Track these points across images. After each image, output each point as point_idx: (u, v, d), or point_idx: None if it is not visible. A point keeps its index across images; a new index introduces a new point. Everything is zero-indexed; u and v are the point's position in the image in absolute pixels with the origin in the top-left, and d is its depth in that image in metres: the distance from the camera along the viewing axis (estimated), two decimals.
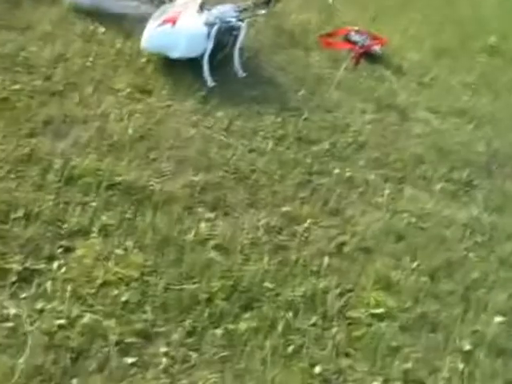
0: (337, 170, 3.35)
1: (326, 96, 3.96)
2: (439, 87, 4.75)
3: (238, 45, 3.74)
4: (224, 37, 3.65)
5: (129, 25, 3.68)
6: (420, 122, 4.17)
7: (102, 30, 3.52)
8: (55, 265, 2.14)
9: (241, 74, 3.74)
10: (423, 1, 6.37)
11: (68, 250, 2.22)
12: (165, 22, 3.40)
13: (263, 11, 3.85)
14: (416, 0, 6.28)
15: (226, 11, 3.70)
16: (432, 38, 5.56)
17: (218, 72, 3.62)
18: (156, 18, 3.46)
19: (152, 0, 3.84)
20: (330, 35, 4.67)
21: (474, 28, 6.19)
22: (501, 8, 7.08)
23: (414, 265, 2.94)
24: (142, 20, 3.65)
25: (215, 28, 3.53)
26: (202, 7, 3.67)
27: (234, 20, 3.66)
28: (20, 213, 2.25)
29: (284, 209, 2.93)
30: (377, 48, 4.72)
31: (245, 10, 3.93)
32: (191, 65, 3.51)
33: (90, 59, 3.25)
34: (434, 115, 4.30)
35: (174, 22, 3.42)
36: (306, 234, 2.87)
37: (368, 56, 4.64)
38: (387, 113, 4.11)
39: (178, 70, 3.46)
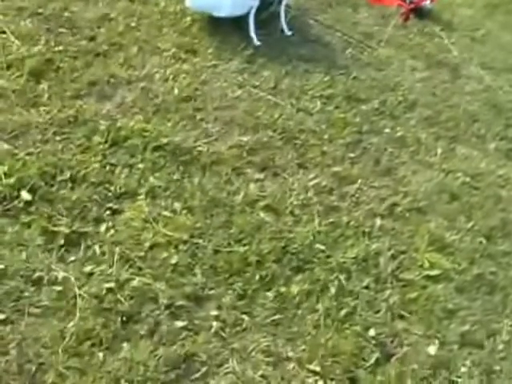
0: (387, 130, 3.17)
1: (375, 54, 3.76)
2: (492, 43, 4.49)
3: (284, 2, 3.55)
4: None
5: None
6: (472, 78, 3.94)
7: None
8: (103, 227, 2.05)
9: (287, 32, 3.57)
10: None
11: (116, 212, 2.12)
12: None
13: None
14: None
15: None
16: None
17: (263, 30, 3.45)
18: None
19: None
20: None
21: None
22: None
23: (469, 225, 2.77)
24: None
25: None
26: None
27: None
28: (66, 175, 2.15)
29: (334, 169, 2.79)
30: (427, 3, 4.47)
31: None
32: (237, 24, 3.35)
33: (135, 19, 3.12)
34: (486, 72, 4.06)
35: None
36: (357, 195, 2.72)
37: (418, 12, 4.40)
38: (438, 70, 3.89)
39: (224, 29, 3.31)
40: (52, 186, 2.12)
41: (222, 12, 3.25)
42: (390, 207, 2.73)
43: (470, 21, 4.69)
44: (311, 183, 2.66)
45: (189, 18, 3.28)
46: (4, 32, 2.75)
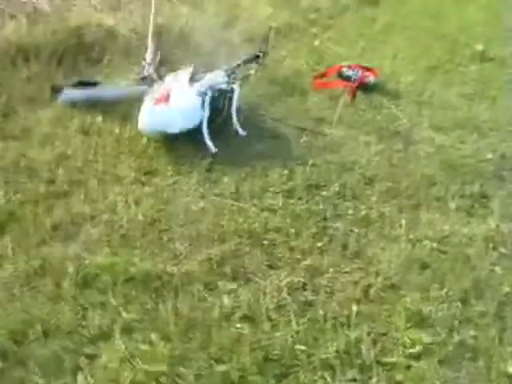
0: (351, 211, 3.15)
1: (329, 137, 3.78)
2: (437, 104, 4.54)
3: (234, 105, 3.60)
4: (219, 101, 3.52)
5: (125, 107, 3.56)
6: (425, 142, 3.95)
7: (99, 119, 3.41)
8: (80, 377, 1.98)
9: (241, 132, 3.59)
10: (407, 23, 6.17)
11: (92, 357, 2.06)
12: (158, 101, 3.28)
13: (254, 68, 3.71)
14: (400, 25, 6.09)
15: (217, 77, 3.57)
16: (422, 57, 5.37)
17: (218, 136, 3.47)
18: (149, 100, 3.34)
19: (143, 79, 3.72)
20: (323, 75, 4.52)
21: (461, 38, 5.98)
22: (484, 13, 6.87)
23: (443, 292, 2.72)
24: (137, 100, 3.54)
25: (208, 97, 3.40)
26: (192, 79, 3.55)
27: (226, 84, 3.53)
28: (38, 330, 2.10)
29: (305, 263, 2.75)
30: (370, 78, 4.54)
31: (234, 71, 3.81)
32: (191, 136, 3.37)
33: (92, 152, 3.13)
34: (437, 132, 4.09)
35: (167, 99, 3.29)
36: (330, 285, 2.67)
37: (363, 88, 4.46)
38: (391, 140, 3.90)
39: (180, 143, 3.33)
40: (23, 344, 2.06)
41: (175, 128, 3.28)
42: (364, 290, 2.67)
43: (413, 86, 4.75)
44: (284, 282, 2.61)
45: (144, 140, 3.30)
46: None
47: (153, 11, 4.11)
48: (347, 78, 4.49)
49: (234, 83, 3.59)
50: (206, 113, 3.40)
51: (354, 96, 4.26)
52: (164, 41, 4.39)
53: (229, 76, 3.65)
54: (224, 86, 3.48)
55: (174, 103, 3.30)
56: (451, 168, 3.68)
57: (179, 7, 5.03)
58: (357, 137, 3.86)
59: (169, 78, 3.61)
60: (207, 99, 3.38)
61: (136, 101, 3.57)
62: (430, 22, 6.32)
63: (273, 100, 4.10)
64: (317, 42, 5.17)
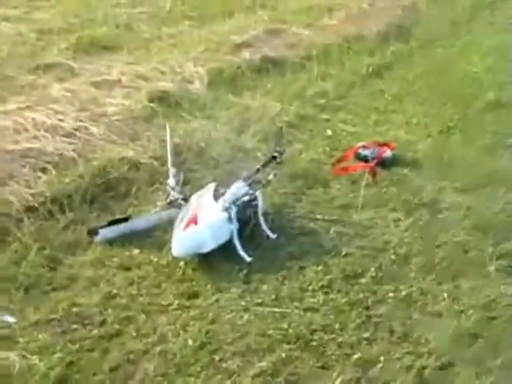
0: (391, 294, 3.29)
1: (357, 222, 3.95)
2: (459, 164, 4.71)
3: (260, 211, 3.82)
4: (245, 211, 3.74)
5: (158, 234, 3.80)
6: (452, 207, 4.12)
7: (136, 252, 3.65)
8: None
9: (272, 236, 3.79)
10: (415, 88, 6.44)
11: None
12: (188, 224, 3.52)
13: (273, 171, 3.96)
14: (409, 90, 6.35)
15: (238, 189, 3.81)
16: (435, 119, 5.61)
17: (251, 244, 3.67)
18: (179, 225, 3.59)
19: (170, 204, 3.99)
20: (341, 161, 4.73)
21: (471, 91, 6.21)
22: (488, 60, 7.11)
23: (498, 362, 2.81)
24: (168, 225, 3.80)
25: (234, 210, 3.63)
26: (215, 196, 3.80)
27: (248, 194, 3.76)
28: None
29: (355, 357, 2.88)
30: (388, 153, 4.75)
31: (255, 178, 4.06)
32: (225, 250, 3.58)
33: (135, 286, 3.36)
34: (463, 195, 4.25)
35: (195, 221, 3.53)
36: (383, 375, 2.79)
37: (383, 164, 4.66)
38: (419, 212, 4.07)
39: (215, 260, 3.53)
40: None
41: (207, 248, 3.50)
42: (418, 374, 2.79)
43: (432, 151, 4.94)
44: (338, 381, 2.74)
45: (181, 263, 3.52)
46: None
47: (168, 136, 4.43)
48: (365, 158, 4.70)
49: (256, 191, 3.82)
50: (235, 225, 3.63)
51: (374, 175, 4.44)
52: (183, 160, 4.71)
53: (249, 185, 3.89)
54: (247, 198, 3.72)
55: (203, 224, 3.53)
56: (483, 229, 3.82)
57: (192, 123, 5.37)
58: (385, 216, 4.03)
59: (194, 198, 3.87)
60: (233, 213, 3.61)
61: (167, 225, 3.83)
62: (437, 82, 6.58)
63: (297, 195, 4.31)
64: (330, 127, 5.42)
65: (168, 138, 4.43)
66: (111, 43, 7.92)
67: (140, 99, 5.75)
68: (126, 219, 3.85)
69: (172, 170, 4.14)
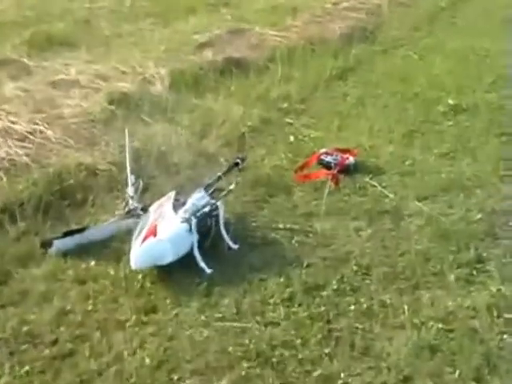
0: (352, 307, 3.28)
1: (319, 232, 3.94)
2: (420, 170, 4.75)
3: (221, 221, 3.77)
4: (205, 221, 3.69)
5: (116, 245, 3.73)
6: (414, 215, 4.13)
7: (92, 263, 3.57)
8: None
9: (233, 246, 3.75)
10: (378, 91, 6.48)
11: None
12: (146, 236, 3.46)
13: (234, 181, 3.92)
14: (371, 94, 6.38)
15: (199, 199, 3.77)
16: (398, 123, 5.64)
17: (211, 256, 3.62)
18: (137, 236, 3.52)
19: (128, 213, 3.92)
20: (303, 167, 4.72)
21: (432, 94, 6.29)
22: (450, 63, 7.20)
23: (456, 375, 2.82)
24: (127, 235, 3.72)
25: (194, 221, 3.58)
26: (175, 206, 3.74)
27: (209, 205, 3.72)
28: None
29: (315, 373, 2.86)
30: (350, 160, 4.75)
31: (215, 187, 4.02)
32: (185, 261, 3.53)
33: (90, 302, 3.28)
34: (424, 202, 4.26)
35: (154, 233, 3.47)
36: None
37: (345, 171, 4.66)
38: (381, 220, 4.07)
39: (175, 272, 3.47)
40: None
41: (166, 260, 3.44)
42: None
43: (393, 157, 4.97)
44: None
45: (140, 276, 3.45)
46: None
47: (127, 142, 4.35)
48: (328, 165, 4.70)
49: (217, 200, 3.77)
50: (195, 237, 3.57)
51: (337, 182, 4.44)
52: (143, 165, 4.63)
53: (210, 194, 3.85)
54: (207, 208, 3.67)
55: (162, 235, 3.47)
56: (444, 237, 3.84)
57: (153, 126, 5.29)
58: (347, 225, 4.02)
59: (153, 207, 3.81)
60: (193, 224, 3.56)
61: (125, 236, 3.76)
62: (400, 85, 6.64)
63: (259, 203, 4.28)
64: (292, 132, 5.40)
65: (127, 143, 4.35)
66: (69, 40, 7.82)
67: (99, 101, 5.67)
68: (81, 230, 3.76)
69: (131, 178, 4.07)
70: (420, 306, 3.29)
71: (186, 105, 5.81)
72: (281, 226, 4.01)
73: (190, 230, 3.56)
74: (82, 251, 3.69)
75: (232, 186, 3.84)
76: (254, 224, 4.04)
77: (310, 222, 4.06)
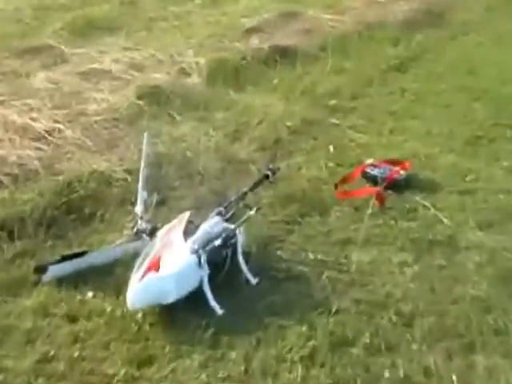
0: (387, 373, 2.69)
1: (355, 265, 3.34)
2: (484, 189, 4.05)
3: (239, 250, 3.23)
4: (220, 253, 3.15)
5: (120, 272, 3.22)
6: (472, 248, 3.48)
7: (89, 295, 3.11)
8: None
9: (253, 281, 3.21)
10: (442, 87, 5.72)
11: None
12: (147, 271, 2.95)
13: (255, 207, 3.33)
14: (433, 90, 5.65)
15: (213, 226, 3.23)
16: (462, 127, 4.95)
17: (225, 292, 3.09)
18: (137, 270, 3.01)
19: (137, 233, 3.42)
20: (345, 181, 4.10)
21: (506, 91, 5.51)
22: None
23: None
24: (134, 259, 3.22)
25: (204, 254, 3.04)
26: (187, 232, 3.21)
27: (224, 235, 3.16)
28: None
29: None
30: (401, 174, 4.10)
31: (238, 204, 3.48)
32: (194, 298, 3.01)
33: (78, 346, 2.80)
34: (486, 232, 3.60)
35: (156, 267, 2.96)
36: None
37: (394, 188, 4.02)
38: (431, 255, 3.43)
39: (179, 312, 2.97)
40: None
41: (169, 299, 2.93)
42: None
43: (453, 170, 4.28)
44: None
45: (139, 316, 2.96)
46: None
47: (144, 149, 3.84)
48: (373, 179, 4.07)
49: (234, 227, 3.22)
50: (206, 271, 3.04)
51: (382, 202, 3.82)
52: (164, 174, 4.13)
53: (229, 218, 3.30)
54: (220, 240, 3.11)
55: (165, 270, 2.96)
56: (508, 281, 3.18)
57: (182, 126, 4.77)
58: (389, 258, 3.41)
59: (162, 232, 3.29)
60: (203, 257, 3.03)
61: (132, 260, 3.25)
62: (468, 79, 5.88)
63: (289, 225, 3.71)
64: (337, 136, 4.78)
65: (144, 151, 3.83)
66: (110, 23, 7.35)
67: (127, 95, 5.18)
68: (82, 254, 3.29)
69: (142, 194, 3.56)
70: (473, 376, 2.67)
71: (221, 100, 5.25)
72: (311, 255, 3.44)
73: (200, 263, 3.03)
74: (80, 278, 3.22)
75: (252, 212, 3.26)
76: (279, 252, 3.47)
77: (346, 252, 3.46)
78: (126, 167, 4.09)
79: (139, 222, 3.43)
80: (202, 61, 5.96)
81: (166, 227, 3.33)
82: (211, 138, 4.63)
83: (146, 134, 3.94)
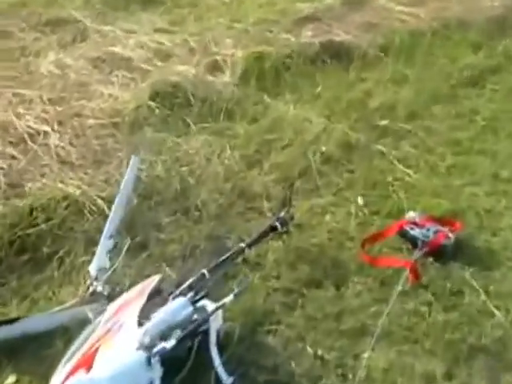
0: None
1: (365, 366, 2.61)
2: None
3: (213, 340, 2.54)
4: (183, 344, 2.46)
5: (60, 344, 2.61)
6: None
7: (10, 380, 2.50)
8: None
9: (226, 381, 2.51)
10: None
11: None
12: (74, 370, 2.30)
13: (237, 289, 2.61)
14: (509, 117, 4.71)
15: (176, 312, 2.52)
16: None
17: None
18: (65, 363, 2.36)
19: (93, 295, 2.76)
20: (376, 238, 3.34)
21: None
22: None
23: None
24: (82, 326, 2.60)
25: (157, 352, 2.34)
26: (146, 311, 2.52)
27: (192, 322, 2.48)
28: None
29: None
30: (449, 239, 3.28)
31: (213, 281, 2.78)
32: None
33: None
34: None
35: (88, 365, 2.30)
36: None
37: (438, 255, 3.23)
38: (471, 367, 2.66)
39: None
40: None
41: None
42: None
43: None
44: None
45: None
46: None
47: (123, 185, 3.13)
48: (413, 241, 3.29)
49: (206, 316, 2.52)
50: (157, 373, 2.36)
51: (417, 277, 3.06)
52: (153, 206, 3.47)
53: (198, 300, 2.60)
54: (181, 333, 2.42)
55: (99, 370, 2.29)
56: None
57: (195, 138, 4.09)
58: (412, 365, 2.66)
59: (113, 306, 2.61)
60: (156, 356, 2.35)
61: (80, 327, 2.63)
62: None
63: (291, 298, 2.99)
64: (380, 169, 3.99)
65: (124, 183, 3.13)
66: None
67: (139, 93, 4.52)
68: (13, 320, 2.67)
69: (106, 244, 2.89)
70: None
71: (250, 108, 4.52)
72: (309, 349, 2.72)
73: (149, 362, 2.35)
74: (8, 351, 2.62)
75: (230, 298, 2.52)
76: (269, 339, 2.77)
77: (356, 348, 2.73)
78: (107, 193, 3.44)
79: (94, 283, 2.77)
80: (239, 53, 5.23)
81: (123, 297, 2.66)
82: (225, 159, 3.92)
83: (133, 158, 3.26)
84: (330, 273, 3.13)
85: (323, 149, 4.10)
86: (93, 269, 2.80)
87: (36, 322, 2.70)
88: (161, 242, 3.27)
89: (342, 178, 3.89)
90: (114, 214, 2.99)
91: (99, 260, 2.82)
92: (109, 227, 2.93)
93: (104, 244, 2.87)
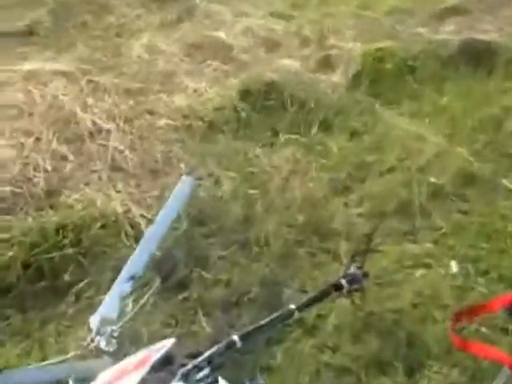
0: None
1: None
2: None
3: None
4: None
5: None
6: None
7: None
8: None
9: None
10: None
11: None
12: None
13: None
14: None
15: None
16: None
17: None
18: None
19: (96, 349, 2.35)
20: (474, 312, 2.64)
21: None
22: None
23: None
24: None
25: None
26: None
27: None
28: None
29: None
30: None
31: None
32: None
33: None
34: None
35: None
36: None
37: None
38: None
39: None
40: None
41: None
42: None
43: None
44: None
45: None
46: None
47: (166, 205, 2.70)
48: None
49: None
50: None
51: None
52: (202, 235, 3.00)
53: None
54: None
55: None
56: None
57: (278, 152, 3.55)
58: None
59: (103, 377, 2.16)
60: None
61: None
62: None
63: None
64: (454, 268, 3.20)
65: (162, 211, 2.68)
66: None
67: (227, 90, 4.05)
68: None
69: (120, 288, 2.44)
70: None
71: (354, 117, 3.94)
72: None
73: None
74: None
75: None
76: None
77: None
78: (154, 213, 3.00)
79: (96, 338, 2.34)
80: (357, 49, 4.61)
81: (121, 364, 2.20)
82: (307, 182, 3.37)
83: (183, 178, 2.79)
84: (403, 353, 2.50)
85: (433, 179, 3.41)
86: (94, 320, 2.36)
87: (25, 375, 2.32)
88: (204, 283, 2.79)
89: (449, 221, 3.20)
90: (142, 249, 2.55)
91: (106, 308, 2.39)
92: (129, 265, 2.49)
93: (118, 287, 2.43)
